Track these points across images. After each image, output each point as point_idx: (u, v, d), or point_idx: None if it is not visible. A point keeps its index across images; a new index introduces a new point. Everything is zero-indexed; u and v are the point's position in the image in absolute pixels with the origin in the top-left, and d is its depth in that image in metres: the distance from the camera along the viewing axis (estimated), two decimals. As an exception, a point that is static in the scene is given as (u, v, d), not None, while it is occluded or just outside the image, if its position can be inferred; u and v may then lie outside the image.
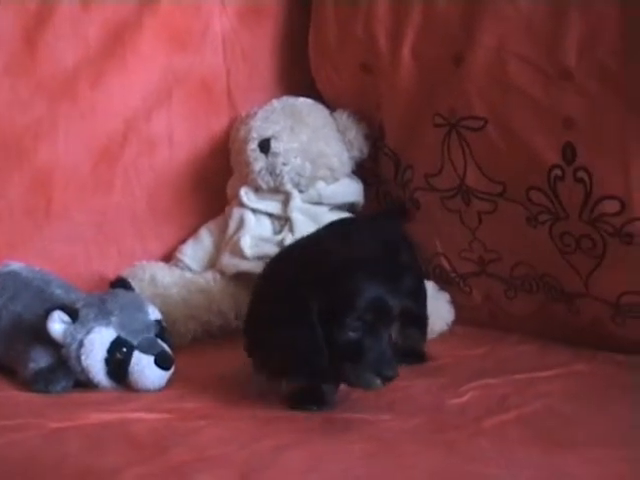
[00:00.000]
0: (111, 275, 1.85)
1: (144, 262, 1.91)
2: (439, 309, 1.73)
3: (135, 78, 2.07)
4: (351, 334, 1.33)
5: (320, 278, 1.36)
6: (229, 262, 1.88)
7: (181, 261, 1.95)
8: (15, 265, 1.70)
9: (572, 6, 1.64)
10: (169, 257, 2.00)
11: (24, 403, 1.48)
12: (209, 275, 1.89)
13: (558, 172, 1.68)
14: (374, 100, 1.95)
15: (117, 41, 2.07)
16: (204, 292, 1.84)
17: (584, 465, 1.23)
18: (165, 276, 1.85)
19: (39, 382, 1.52)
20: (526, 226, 1.75)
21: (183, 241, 2.00)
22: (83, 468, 1.24)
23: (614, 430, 1.36)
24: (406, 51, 1.86)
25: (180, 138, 2.08)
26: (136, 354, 1.50)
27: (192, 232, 2.01)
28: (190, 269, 1.93)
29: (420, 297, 1.58)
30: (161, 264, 1.92)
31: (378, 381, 1.35)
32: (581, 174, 1.65)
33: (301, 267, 1.42)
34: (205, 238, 1.96)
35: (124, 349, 1.49)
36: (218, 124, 2.10)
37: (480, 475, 1.21)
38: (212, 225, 1.97)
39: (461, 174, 1.81)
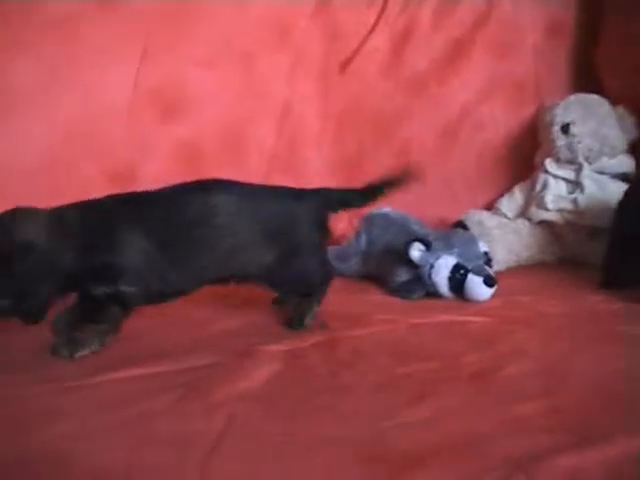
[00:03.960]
0: (448, 217, 1.89)
1: (473, 210, 1.91)
2: None
3: (468, 79, 2.10)
4: None
5: None
6: (536, 212, 1.87)
7: (499, 210, 1.94)
8: (385, 208, 1.74)
9: None
10: (489, 207, 2.00)
11: (392, 304, 1.54)
12: (519, 221, 1.88)
13: None
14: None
15: (456, 52, 2.10)
16: (516, 233, 1.84)
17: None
18: (489, 221, 1.85)
19: (401, 291, 1.57)
20: None
21: (500, 196, 2.00)
22: (435, 352, 1.28)
23: None
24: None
25: (500, 121, 2.09)
26: (470, 275, 1.52)
27: (507, 190, 2.00)
28: (506, 216, 1.92)
29: None
30: (485, 212, 1.92)
31: None
32: None
33: None
34: (517, 194, 1.95)
35: (462, 271, 1.52)
36: (527, 112, 2.10)
37: None
38: (523, 185, 1.96)
39: None
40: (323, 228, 1.39)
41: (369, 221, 1.72)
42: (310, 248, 1.35)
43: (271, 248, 1.31)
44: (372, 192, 1.46)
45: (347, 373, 1.21)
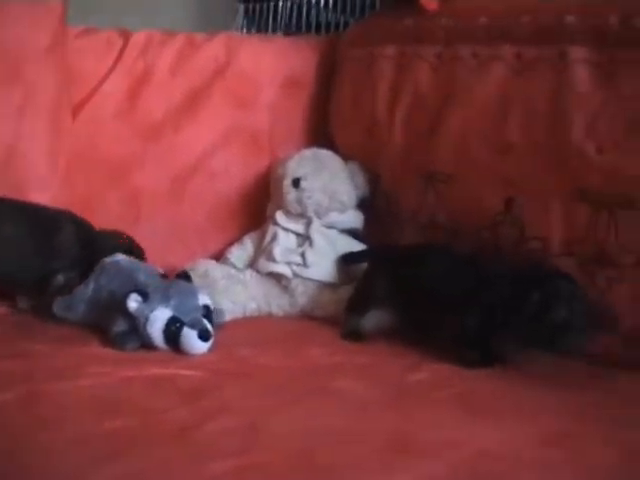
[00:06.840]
0: (179, 266, 1.88)
1: (201, 259, 1.91)
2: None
3: (205, 127, 2.11)
4: None
5: None
6: (264, 264, 1.88)
7: (228, 260, 1.95)
8: (119, 256, 1.74)
9: (514, 99, 1.66)
10: (220, 255, 2.00)
11: (106, 356, 1.50)
12: (248, 272, 1.89)
13: (500, 218, 1.69)
14: (374, 155, 1.96)
15: (194, 100, 2.11)
16: (243, 284, 1.84)
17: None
18: (215, 271, 1.85)
19: (117, 342, 1.54)
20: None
21: (231, 245, 2.00)
22: (141, 407, 1.26)
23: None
24: (398, 122, 1.88)
25: (234, 172, 2.11)
26: (185, 329, 1.51)
27: (238, 239, 2.01)
28: (235, 266, 1.92)
29: None
30: (213, 262, 1.92)
31: None
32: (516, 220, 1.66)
33: None
34: (248, 244, 1.96)
35: (177, 324, 1.51)
36: (261, 164, 2.12)
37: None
38: (253, 235, 1.97)
39: (433, 212, 1.81)
40: None
41: (100, 268, 1.69)
42: None
43: None
44: None
45: (45, 430, 1.17)
